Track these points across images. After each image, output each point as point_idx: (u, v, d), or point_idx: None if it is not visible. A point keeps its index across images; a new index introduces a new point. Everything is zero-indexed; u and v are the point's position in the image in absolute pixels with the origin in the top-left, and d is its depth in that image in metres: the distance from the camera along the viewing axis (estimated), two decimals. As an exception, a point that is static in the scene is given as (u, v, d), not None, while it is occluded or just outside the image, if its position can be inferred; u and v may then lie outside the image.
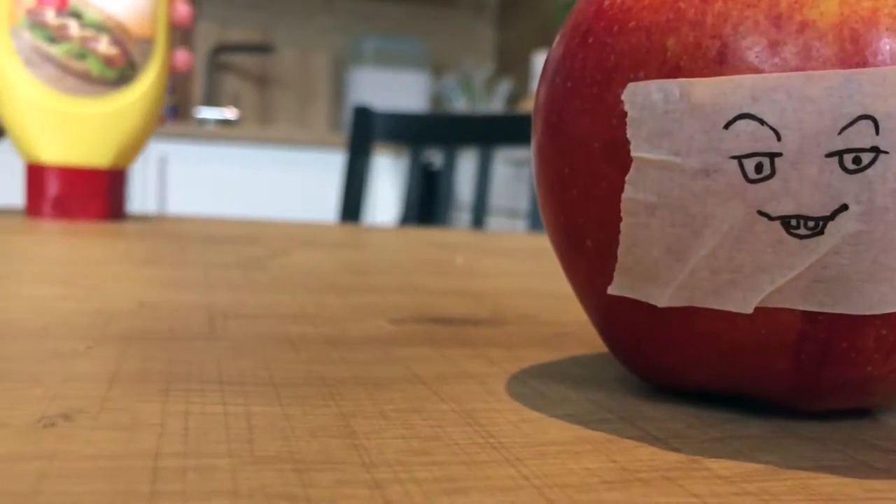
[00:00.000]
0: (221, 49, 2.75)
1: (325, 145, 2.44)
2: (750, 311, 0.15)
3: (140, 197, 2.32)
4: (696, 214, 0.15)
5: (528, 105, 2.18)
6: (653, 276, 0.16)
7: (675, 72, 0.15)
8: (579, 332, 0.25)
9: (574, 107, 0.16)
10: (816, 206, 0.14)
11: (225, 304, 0.26)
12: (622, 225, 0.16)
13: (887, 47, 0.14)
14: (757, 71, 0.14)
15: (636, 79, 0.15)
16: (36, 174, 0.55)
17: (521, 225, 1.84)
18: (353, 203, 1.17)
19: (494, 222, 1.99)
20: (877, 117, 0.13)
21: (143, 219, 0.59)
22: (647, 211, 0.15)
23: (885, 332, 0.15)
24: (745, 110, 0.14)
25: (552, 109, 0.17)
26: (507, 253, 0.51)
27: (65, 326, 0.21)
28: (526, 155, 1.80)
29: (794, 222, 0.14)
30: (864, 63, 0.14)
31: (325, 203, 2.48)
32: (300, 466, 0.13)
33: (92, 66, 0.53)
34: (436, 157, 2.27)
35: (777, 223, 0.14)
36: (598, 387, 0.19)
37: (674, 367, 0.17)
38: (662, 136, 0.15)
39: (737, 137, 0.14)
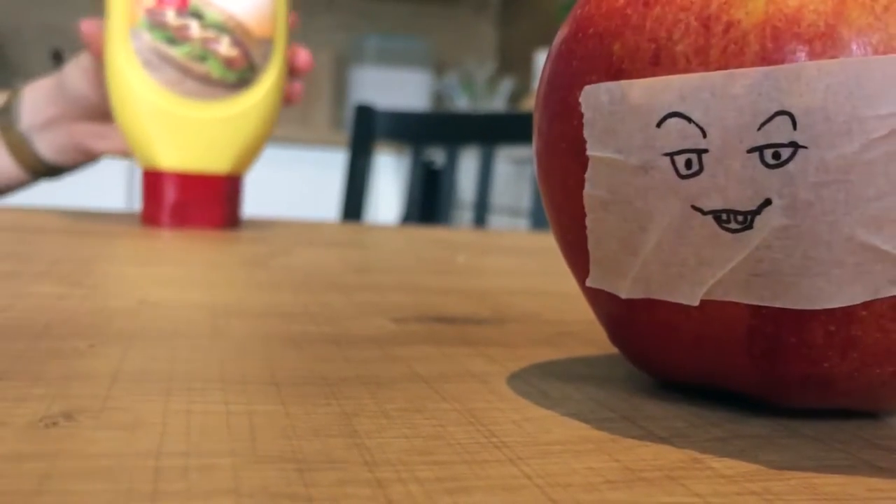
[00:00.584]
0: (223, 48, 2.74)
1: (326, 144, 2.44)
2: (696, 303, 0.15)
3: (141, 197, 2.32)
4: (640, 209, 0.15)
5: (529, 104, 2.18)
6: (615, 268, 0.17)
7: (619, 74, 0.16)
8: (582, 331, 0.25)
9: (549, 109, 0.17)
10: (743, 201, 0.14)
11: (227, 303, 0.26)
12: (587, 220, 0.17)
13: (806, 44, 0.14)
14: (687, 71, 0.15)
15: (590, 82, 0.16)
16: (153, 181, 0.52)
17: (523, 223, 1.84)
18: (354, 202, 1.17)
19: (496, 221, 1.98)
20: (793, 113, 0.14)
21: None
22: (603, 206, 0.16)
23: (834, 329, 0.15)
24: (674, 109, 0.15)
25: (537, 114, 0.18)
26: (509, 251, 0.51)
27: (66, 325, 0.21)
28: (527, 153, 1.80)
29: (724, 216, 0.15)
30: (782, 60, 0.14)
31: (326, 201, 2.48)
32: (302, 466, 0.13)
33: (212, 68, 0.51)
34: (438, 156, 2.27)
35: (710, 217, 0.15)
36: (601, 386, 0.19)
37: (654, 358, 0.18)
38: (609, 135, 0.16)
39: (668, 135, 0.15)
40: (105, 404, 0.15)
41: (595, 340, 0.24)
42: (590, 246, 0.17)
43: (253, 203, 2.44)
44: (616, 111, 0.15)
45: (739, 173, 0.14)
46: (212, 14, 0.51)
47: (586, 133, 0.16)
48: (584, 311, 0.29)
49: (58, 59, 2.60)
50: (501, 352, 0.21)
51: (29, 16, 2.69)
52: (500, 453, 0.14)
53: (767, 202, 0.14)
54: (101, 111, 0.61)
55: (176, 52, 0.50)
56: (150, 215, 0.52)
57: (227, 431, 0.14)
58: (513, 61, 2.92)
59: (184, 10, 0.50)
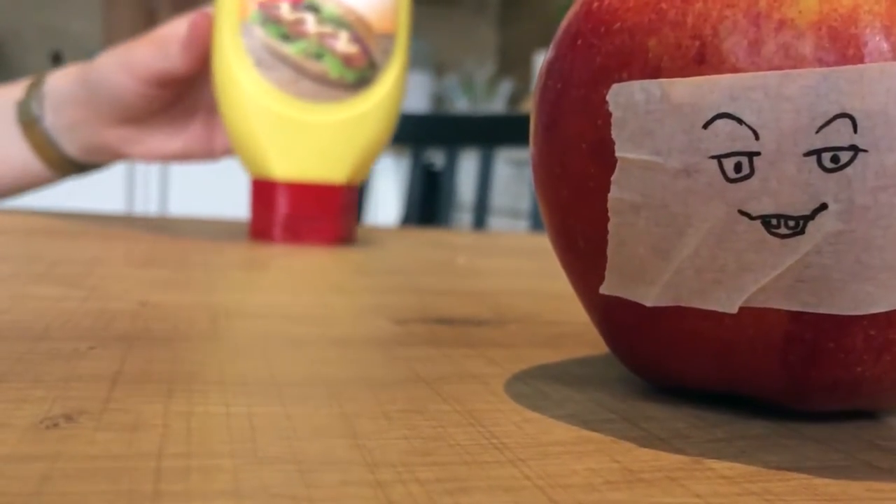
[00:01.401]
0: (223, 49, 2.74)
1: (326, 145, 2.43)
2: (734, 310, 0.15)
3: (142, 197, 2.32)
4: (678, 214, 0.15)
5: (529, 105, 2.18)
6: (640, 275, 0.16)
7: (656, 72, 0.15)
8: (582, 333, 0.25)
9: (564, 108, 0.17)
10: (796, 206, 0.14)
11: (227, 305, 0.26)
12: (610, 224, 0.16)
13: (865, 45, 0.14)
14: (736, 70, 0.14)
15: (620, 80, 0.15)
16: (264, 192, 0.48)
17: (522, 225, 1.84)
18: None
19: (496, 222, 1.98)
20: (854, 115, 0.13)
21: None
22: (633, 210, 0.15)
23: (874, 333, 0.15)
24: (724, 109, 0.14)
25: (545, 111, 0.17)
26: (508, 253, 0.51)
27: (66, 327, 0.21)
28: (527, 155, 1.80)
29: (774, 221, 0.14)
30: (841, 61, 0.14)
31: (326, 203, 2.47)
32: (303, 467, 0.13)
33: (330, 66, 0.46)
34: (437, 158, 2.27)
35: (758, 223, 0.14)
36: (601, 387, 0.19)
37: (668, 366, 0.17)
38: (644, 136, 0.15)
39: (715, 137, 0.14)
40: (106, 406, 0.15)
41: (595, 342, 0.24)
42: (609, 252, 0.16)
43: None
44: (653, 111, 0.15)
45: (794, 177, 0.14)
46: (329, 7, 0.46)
47: (615, 133, 0.15)
48: (584, 313, 0.29)
49: (57, 60, 2.60)
50: (502, 353, 0.21)
51: (28, 17, 2.69)
52: (501, 454, 0.14)
53: (822, 207, 0.14)
54: (137, 112, 0.54)
55: (290, 50, 0.46)
56: (260, 229, 0.48)
57: (227, 432, 0.14)
58: (512, 63, 2.92)
59: (299, 3, 0.46)
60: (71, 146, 0.57)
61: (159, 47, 0.50)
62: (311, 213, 0.47)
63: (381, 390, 0.17)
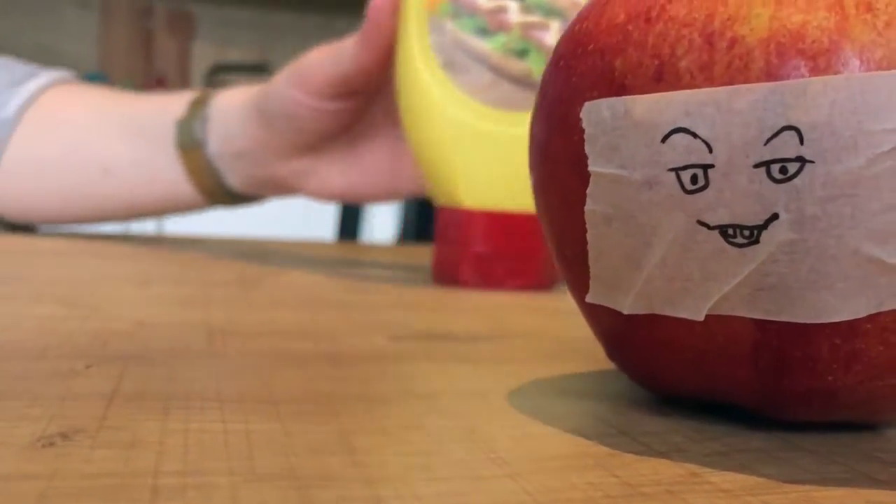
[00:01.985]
0: (219, 69, 2.76)
1: (322, 164, 2.43)
2: (701, 318, 0.15)
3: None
4: (644, 224, 0.15)
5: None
6: (617, 284, 0.16)
7: (621, 90, 0.16)
8: (581, 347, 0.25)
9: (548, 125, 0.17)
10: (749, 216, 0.14)
11: (224, 322, 0.26)
12: (588, 235, 0.17)
13: (811, 60, 0.14)
14: (690, 87, 0.15)
15: (591, 98, 0.16)
16: (452, 223, 0.38)
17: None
18: (350, 221, 1.17)
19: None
20: (800, 128, 0.14)
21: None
22: (605, 222, 0.16)
23: (839, 342, 0.15)
24: (679, 124, 0.15)
25: (536, 128, 0.18)
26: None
27: (64, 346, 0.21)
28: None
29: (730, 231, 0.15)
30: (788, 76, 0.14)
31: (322, 221, 2.47)
32: (301, 483, 0.13)
33: (534, 64, 0.37)
34: (434, 175, 2.26)
35: (716, 232, 0.15)
36: (600, 401, 0.19)
37: (655, 375, 0.18)
38: (612, 150, 0.16)
39: (673, 150, 0.15)
40: (102, 424, 0.15)
41: (594, 357, 0.24)
42: (590, 262, 0.17)
43: (248, 222, 2.43)
44: (619, 127, 0.15)
45: (746, 188, 0.14)
46: None
47: (588, 149, 0.16)
48: (582, 328, 0.29)
49: (54, 81, 2.60)
50: (500, 368, 0.21)
51: (23, 38, 2.70)
52: (500, 469, 0.14)
53: (774, 217, 0.14)
54: (312, 136, 0.45)
55: (488, 46, 0.37)
56: (446, 270, 0.39)
57: (224, 450, 0.14)
58: (508, 80, 2.93)
59: None
60: (234, 177, 0.49)
61: (333, 50, 0.43)
62: (510, 251, 0.38)
63: (378, 406, 0.17)
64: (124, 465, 0.13)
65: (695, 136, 0.15)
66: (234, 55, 2.83)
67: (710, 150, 0.14)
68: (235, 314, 0.28)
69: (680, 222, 0.15)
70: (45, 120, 0.53)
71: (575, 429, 0.16)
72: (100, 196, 0.51)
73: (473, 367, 0.21)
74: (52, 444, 0.14)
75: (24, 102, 0.53)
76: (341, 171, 0.47)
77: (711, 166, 0.14)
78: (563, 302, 0.35)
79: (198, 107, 0.49)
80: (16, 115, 0.52)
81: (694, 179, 0.15)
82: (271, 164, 0.48)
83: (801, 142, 0.14)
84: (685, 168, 0.15)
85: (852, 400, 0.16)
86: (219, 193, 0.50)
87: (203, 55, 2.83)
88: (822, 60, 0.14)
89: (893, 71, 0.14)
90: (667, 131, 0.15)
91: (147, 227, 2.31)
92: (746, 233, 0.14)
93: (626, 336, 0.17)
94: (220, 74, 2.82)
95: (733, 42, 0.15)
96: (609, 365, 0.23)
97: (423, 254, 0.59)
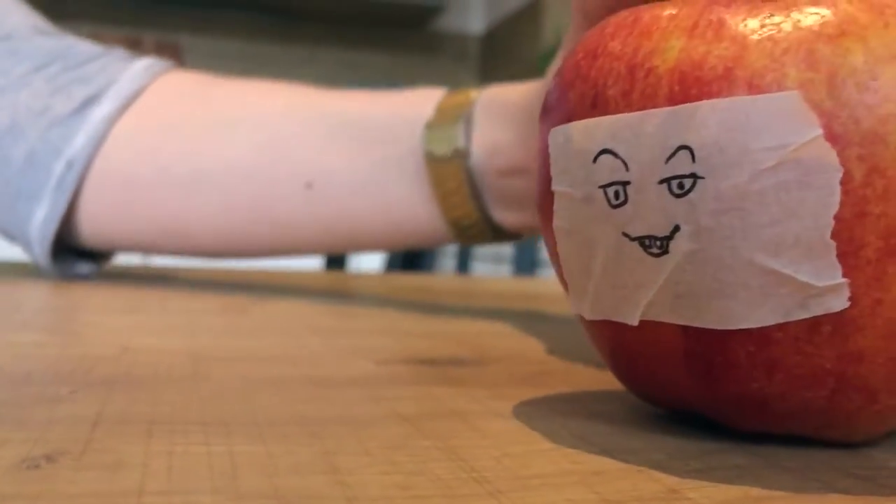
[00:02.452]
0: (206, 100, 2.76)
1: (309, 194, 2.44)
2: (635, 322, 0.17)
3: (124, 248, 2.31)
4: (588, 237, 0.17)
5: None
6: (578, 292, 0.18)
7: (571, 117, 0.17)
8: (563, 370, 0.25)
9: (541, 150, 0.19)
10: (659, 227, 0.16)
11: (208, 349, 0.26)
12: (558, 249, 0.18)
13: (707, 85, 0.15)
14: (616, 112, 0.16)
15: (555, 125, 0.18)
16: None
17: (505, 270, 1.84)
18: (337, 250, 1.17)
19: (479, 267, 1.99)
20: (692, 147, 0.15)
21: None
22: (567, 236, 0.18)
23: (753, 349, 0.16)
24: (606, 146, 0.16)
25: (537, 153, 0.20)
26: (492, 296, 0.51)
27: (48, 372, 0.21)
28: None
29: (647, 241, 0.16)
30: (685, 101, 0.15)
31: (310, 251, 2.47)
32: (284, 502, 0.13)
33: None
34: (420, 204, 2.27)
35: (636, 243, 0.16)
36: (582, 421, 0.19)
37: (631, 379, 0.19)
38: (565, 171, 0.17)
39: (601, 170, 0.16)
40: (87, 446, 0.15)
41: (574, 378, 0.24)
42: (564, 274, 0.19)
43: (236, 254, 2.43)
44: (567, 150, 0.17)
45: (654, 202, 0.16)
46: None
47: (552, 171, 0.18)
48: (565, 352, 0.29)
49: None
50: (483, 391, 0.22)
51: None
52: (481, 487, 0.14)
53: (677, 228, 0.15)
54: None
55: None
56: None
57: (208, 470, 0.14)
58: (493, 110, 2.94)
59: None
60: (502, 204, 0.37)
61: None
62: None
63: (361, 428, 0.17)
64: (109, 485, 0.13)
65: (616, 156, 0.16)
66: (221, 86, 2.84)
67: (627, 169, 0.16)
68: (220, 340, 0.28)
69: (610, 234, 0.17)
70: (198, 111, 0.42)
71: (555, 448, 0.17)
72: (297, 217, 0.39)
73: (457, 390, 0.21)
74: (36, 467, 0.14)
75: (135, 89, 0.42)
76: None
77: (629, 183, 0.16)
78: (544, 326, 0.35)
79: (455, 108, 0.37)
80: (118, 107, 0.41)
81: (616, 195, 0.16)
82: None
83: (693, 160, 0.15)
84: (610, 185, 0.16)
85: (787, 409, 0.16)
86: (475, 224, 0.37)
87: (190, 86, 2.83)
88: (714, 86, 0.15)
89: (773, 94, 0.15)
90: (596, 152, 0.16)
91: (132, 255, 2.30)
92: (658, 243, 0.16)
93: (596, 342, 0.19)
94: (206, 105, 2.82)
95: (648, 72, 0.16)
96: (591, 386, 0.23)
97: (410, 282, 0.59)
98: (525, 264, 1.09)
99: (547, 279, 0.73)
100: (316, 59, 2.88)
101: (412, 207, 0.37)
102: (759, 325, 0.15)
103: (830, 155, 0.14)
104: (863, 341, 0.15)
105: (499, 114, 0.36)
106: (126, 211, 0.42)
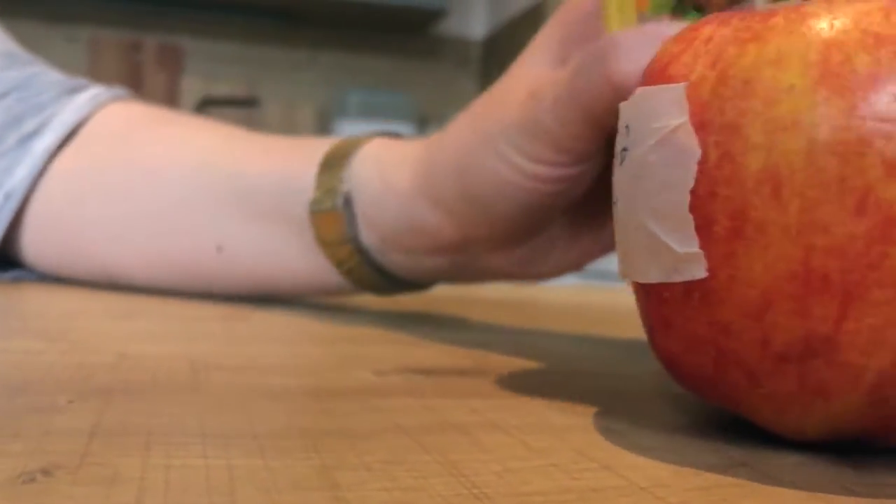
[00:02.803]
0: (207, 103, 2.77)
1: (309, 197, 2.44)
2: (622, 279, 0.20)
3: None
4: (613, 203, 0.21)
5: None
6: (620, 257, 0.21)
7: None
8: (564, 382, 0.25)
9: None
10: (614, 194, 0.19)
11: (206, 356, 0.26)
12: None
13: (649, 78, 0.19)
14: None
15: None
16: None
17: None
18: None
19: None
20: (628, 124, 0.19)
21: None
22: (614, 204, 0.21)
23: (654, 307, 0.19)
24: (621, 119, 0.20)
25: None
26: (490, 304, 0.51)
27: (45, 380, 0.21)
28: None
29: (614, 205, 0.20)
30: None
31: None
32: (282, 519, 0.13)
33: None
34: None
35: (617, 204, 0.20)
36: (582, 436, 0.19)
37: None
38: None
39: (618, 137, 0.20)
40: (83, 460, 0.15)
41: (574, 392, 0.24)
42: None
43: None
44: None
45: (616, 172, 0.19)
46: None
47: None
48: (564, 363, 0.29)
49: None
50: (483, 403, 0.21)
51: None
52: (481, 504, 0.14)
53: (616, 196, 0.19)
54: (544, 219, 0.31)
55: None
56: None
57: (206, 485, 0.14)
58: (494, 115, 2.94)
59: None
60: (411, 274, 0.36)
61: (568, 80, 0.27)
62: None
63: (360, 441, 0.17)
64: (105, 500, 0.13)
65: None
66: (223, 89, 2.84)
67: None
68: (218, 348, 0.28)
69: (617, 198, 0.19)
70: (122, 156, 0.42)
71: (556, 463, 0.16)
72: (212, 275, 0.40)
73: (456, 402, 0.21)
74: (32, 481, 0.14)
75: (74, 122, 0.43)
76: (600, 229, 0.33)
77: (626, 149, 0.19)
78: (542, 335, 0.35)
79: (331, 174, 0.35)
80: (55, 142, 0.42)
81: (621, 160, 0.19)
82: (479, 257, 0.33)
83: (628, 135, 0.18)
84: (622, 150, 0.19)
85: (688, 371, 0.18)
86: (384, 287, 0.37)
87: (192, 89, 2.84)
88: (654, 78, 0.18)
89: (666, 85, 0.17)
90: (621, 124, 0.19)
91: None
92: (614, 207, 0.19)
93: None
94: (208, 108, 2.83)
95: (649, 75, 0.19)
96: (588, 398, 0.23)
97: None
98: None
99: (544, 287, 0.73)
100: (317, 62, 2.88)
101: (316, 275, 0.38)
102: (646, 281, 0.18)
103: (692, 139, 0.17)
104: (727, 314, 0.17)
105: (386, 193, 0.34)
106: (59, 251, 0.43)
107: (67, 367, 0.23)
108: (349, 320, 0.37)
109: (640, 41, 0.25)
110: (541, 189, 0.29)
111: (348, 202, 0.35)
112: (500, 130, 0.29)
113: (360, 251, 0.35)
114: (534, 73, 0.30)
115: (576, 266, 0.34)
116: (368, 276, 0.36)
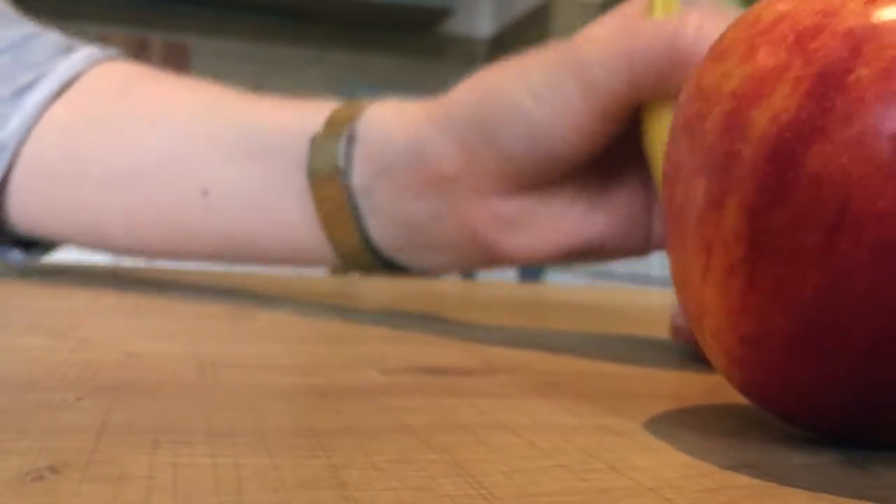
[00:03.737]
0: (213, 101, 2.77)
1: (315, 196, 2.44)
2: None
3: (130, 247, 2.31)
4: None
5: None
6: None
7: None
8: (571, 382, 0.25)
9: None
10: None
11: (214, 355, 0.26)
12: None
13: None
14: None
15: None
16: None
17: (511, 274, 1.84)
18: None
19: (483, 273, 1.98)
20: None
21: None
22: None
23: None
24: None
25: None
26: (497, 303, 0.51)
27: (53, 378, 0.21)
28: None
29: None
30: None
31: (315, 253, 2.47)
32: (290, 519, 0.13)
33: None
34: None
35: None
36: (590, 436, 0.19)
37: None
38: None
39: None
40: (91, 457, 0.15)
41: (585, 391, 0.24)
42: None
43: (241, 255, 2.43)
44: None
45: None
46: None
47: None
48: (572, 362, 0.29)
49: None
50: (490, 403, 0.21)
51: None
52: (489, 505, 0.14)
53: None
54: (562, 172, 0.30)
55: None
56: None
57: (214, 484, 0.14)
58: (500, 114, 2.94)
59: None
60: (386, 230, 0.35)
61: (625, 45, 0.27)
62: None
63: (368, 441, 0.17)
64: (113, 499, 0.13)
65: None
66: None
67: None
68: (226, 347, 0.28)
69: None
70: (116, 109, 0.42)
71: (563, 464, 0.16)
72: (195, 223, 0.39)
73: (464, 402, 0.21)
74: (40, 478, 0.14)
75: (64, 80, 0.42)
76: (582, 216, 0.32)
77: None
78: (549, 334, 0.35)
79: (342, 120, 0.35)
80: (45, 100, 0.42)
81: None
82: (460, 214, 0.32)
83: None
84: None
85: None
86: (360, 251, 0.36)
87: (197, 87, 2.84)
88: (712, 58, 0.18)
89: None
90: None
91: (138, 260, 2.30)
92: None
93: None
94: (213, 106, 2.83)
95: (711, 52, 0.19)
96: (596, 399, 0.23)
97: (415, 287, 0.59)
98: (530, 270, 1.08)
99: (551, 285, 0.73)
100: (324, 61, 2.88)
101: (298, 226, 0.36)
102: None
103: None
104: None
105: (397, 130, 0.33)
106: (48, 203, 0.42)
107: (75, 365, 0.23)
108: (355, 318, 0.37)
109: (711, 19, 0.25)
110: (554, 131, 0.28)
111: (351, 140, 0.34)
112: (538, 62, 0.29)
113: (348, 188, 0.34)
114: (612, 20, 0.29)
115: (549, 254, 0.32)
116: (346, 223, 0.35)
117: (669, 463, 0.17)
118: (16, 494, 0.13)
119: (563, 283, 1.50)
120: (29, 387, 0.20)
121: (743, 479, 0.16)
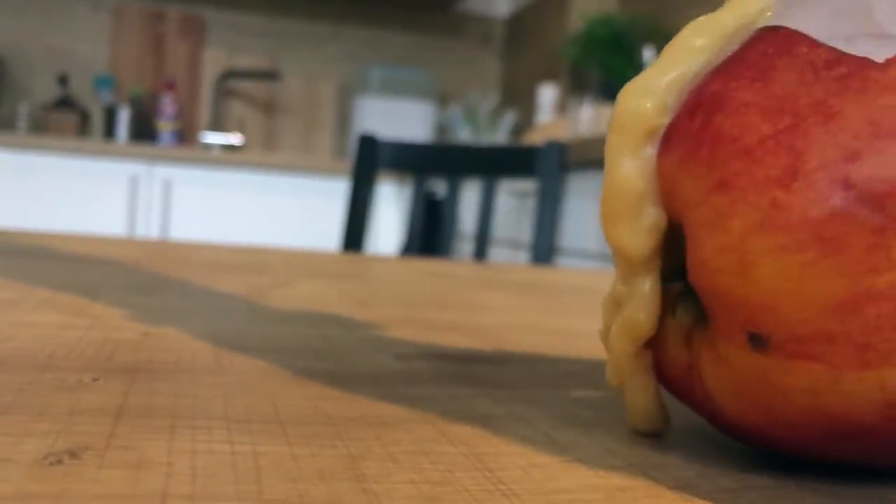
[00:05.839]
0: (229, 75, 2.76)
1: (329, 172, 2.44)
2: None
3: (144, 221, 2.32)
4: None
5: (531, 137, 2.19)
6: None
7: None
8: (587, 372, 0.25)
9: None
10: None
11: (230, 336, 0.26)
12: None
13: None
14: None
15: None
16: None
17: (523, 256, 1.84)
18: (356, 231, 1.17)
19: (496, 253, 1.98)
20: None
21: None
22: None
23: None
24: None
25: None
26: (509, 286, 0.51)
27: (69, 356, 0.21)
28: (529, 186, 1.80)
29: None
30: None
31: (327, 230, 2.48)
32: (309, 511, 0.12)
33: None
34: (439, 187, 2.27)
35: None
36: (608, 431, 0.19)
37: None
38: None
39: None
40: (109, 442, 0.15)
41: (601, 382, 0.24)
42: None
43: (255, 229, 2.44)
44: None
45: None
46: None
47: None
48: (586, 351, 0.29)
49: (64, 82, 2.62)
50: (506, 393, 0.21)
51: (36, 39, 2.71)
52: (508, 501, 0.14)
53: None
54: None
55: None
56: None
57: (232, 473, 0.14)
58: (516, 94, 2.93)
59: None
60: None
61: None
62: None
63: (386, 430, 0.17)
64: (133, 486, 0.13)
65: None
66: (244, 61, 2.83)
67: None
68: (240, 327, 0.27)
69: None
70: None
71: (583, 460, 0.16)
72: None
73: (479, 391, 0.21)
74: (59, 462, 0.14)
75: None
76: None
77: None
78: (562, 319, 0.35)
79: None
80: None
81: None
82: None
83: None
84: None
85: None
86: None
87: (213, 60, 2.83)
88: None
89: None
90: None
91: (152, 231, 2.31)
92: None
93: None
94: (229, 80, 2.83)
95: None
96: (613, 392, 0.22)
97: (428, 267, 0.59)
98: (543, 252, 1.08)
99: (564, 268, 0.73)
100: (339, 36, 2.86)
101: None
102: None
103: None
104: None
105: None
106: None
107: (92, 343, 0.23)
108: (370, 300, 0.37)
109: None
110: None
111: None
112: None
113: None
114: None
115: None
116: None
117: (688, 461, 0.17)
118: (35, 478, 0.13)
119: (576, 267, 1.50)
120: (46, 366, 0.20)
121: (762, 480, 0.16)
